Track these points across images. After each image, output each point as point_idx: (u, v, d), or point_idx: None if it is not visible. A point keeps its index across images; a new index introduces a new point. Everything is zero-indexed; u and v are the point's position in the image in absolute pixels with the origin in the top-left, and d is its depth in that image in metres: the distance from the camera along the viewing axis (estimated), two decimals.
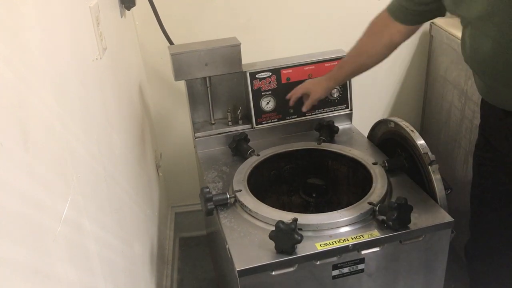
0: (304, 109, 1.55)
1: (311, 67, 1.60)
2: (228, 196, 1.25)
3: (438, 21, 1.86)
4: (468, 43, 1.13)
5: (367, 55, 1.39)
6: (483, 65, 1.13)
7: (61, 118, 0.73)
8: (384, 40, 1.34)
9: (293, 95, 1.54)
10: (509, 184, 1.26)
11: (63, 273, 0.65)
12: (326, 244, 1.09)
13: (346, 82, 1.62)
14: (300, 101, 1.56)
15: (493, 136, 1.25)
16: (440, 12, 1.24)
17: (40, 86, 0.67)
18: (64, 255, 0.66)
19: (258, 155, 1.45)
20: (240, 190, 1.26)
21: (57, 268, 0.63)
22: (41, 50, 0.69)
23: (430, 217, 1.16)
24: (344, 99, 1.65)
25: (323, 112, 1.65)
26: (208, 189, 1.23)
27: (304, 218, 1.14)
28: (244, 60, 1.52)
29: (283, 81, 1.59)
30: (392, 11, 1.31)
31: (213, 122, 1.62)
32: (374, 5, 1.34)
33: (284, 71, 1.58)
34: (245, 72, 1.56)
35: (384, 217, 1.13)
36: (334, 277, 1.12)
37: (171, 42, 1.69)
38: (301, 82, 1.58)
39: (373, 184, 1.26)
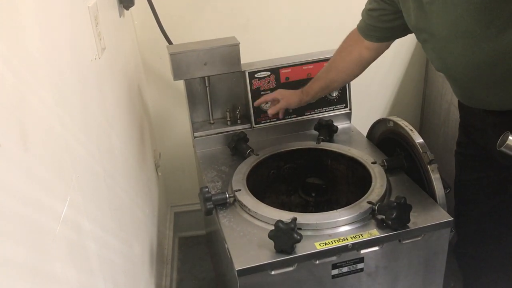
0: (270, 111, 1.51)
1: (309, 67, 1.60)
2: (227, 195, 1.25)
3: None
4: (435, 56, 1.16)
5: (336, 70, 1.41)
6: (457, 73, 1.16)
7: (60, 118, 0.73)
8: (353, 55, 1.37)
9: (264, 98, 1.52)
10: (490, 178, 1.28)
11: (63, 273, 0.65)
12: (325, 244, 1.09)
13: None
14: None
15: (475, 134, 1.27)
16: (405, 31, 1.26)
17: (39, 86, 0.66)
18: (64, 255, 0.66)
19: (257, 154, 1.45)
20: (239, 190, 1.26)
21: (56, 268, 0.63)
22: (40, 50, 0.69)
23: (429, 216, 1.16)
24: (343, 99, 1.65)
25: (322, 112, 1.65)
26: (207, 189, 1.23)
27: (304, 218, 1.14)
28: (243, 60, 1.52)
29: (282, 80, 1.59)
30: (361, 29, 1.34)
31: (212, 121, 1.62)
32: None
33: (283, 71, 1.58)
34: (244, 71, 1.56)
35: (384, 216, 1.13)
36: (333, 277, 1.12)
37: (170, 42, 1.68)
38: (300, 81, 1.58)
39: (372, 184, 1.26)
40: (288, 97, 1.48)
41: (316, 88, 1.45)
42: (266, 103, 1.57)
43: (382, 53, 1.37)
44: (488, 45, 1.01)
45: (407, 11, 1.16)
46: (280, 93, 1.51)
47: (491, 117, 1.17)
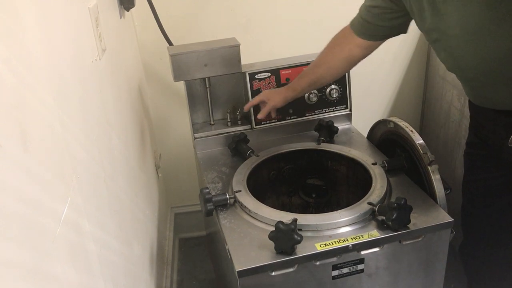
0: (259, 116, 1.50)
1: None
2: (227, 196, 1.25)
3: None
4: (446, 56, 1.15)
5: (325, 66, 1.40)
6: (469, 72, 1.15)
7: (60, 119, 0.73)
8: (343, 53, 1.36)
9: (251, 103, 1.53)
10: (500, 178, 1.27)
11: (63, 274, 0.65)
12: (325, 245, 1.09)
13: (345, 82, 1.63)
14: (295, 105, 1.57)
15: (485, 134, 1.26)
16: (402, 29, 1.26)
17: (40, 87, 0.66)
18: (64, 256, 0.66)
19: (257, 155, 1.45)
20: (240, 191, 1.26)
21: (56, 269, 0.63)
22: (40, 51, 0.69)
23: (430, 217, 1.16)
24: (343, 100, 1.65)
25: (323, 113, 1.65)
26: (207, 190, 1.23)
27: (304, 219, 1.14)
28: (244, 61, 1.52)
29: (283, 81, 1.59)
30: (354, 25, 1.33)
31: (212, 122, 1.62)
32: None
33: (283, 72, 1.58)
34: (245, 72, 1.56)
35: (384, 217, 1.13)
36: (334, 278, 1.12)
37: (170, 43, 1.69)
38: None
39: (373, 184, 1.26)
40: (273, 98, 1.47)
41: (304, 84, 1.44)
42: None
43: (372, 52, 1.35)
44: (501, 42, 1.01)
45: (420, 11, 1.14)
46: (264, 95, 1.51)
47: (502, 117, 1.16)
